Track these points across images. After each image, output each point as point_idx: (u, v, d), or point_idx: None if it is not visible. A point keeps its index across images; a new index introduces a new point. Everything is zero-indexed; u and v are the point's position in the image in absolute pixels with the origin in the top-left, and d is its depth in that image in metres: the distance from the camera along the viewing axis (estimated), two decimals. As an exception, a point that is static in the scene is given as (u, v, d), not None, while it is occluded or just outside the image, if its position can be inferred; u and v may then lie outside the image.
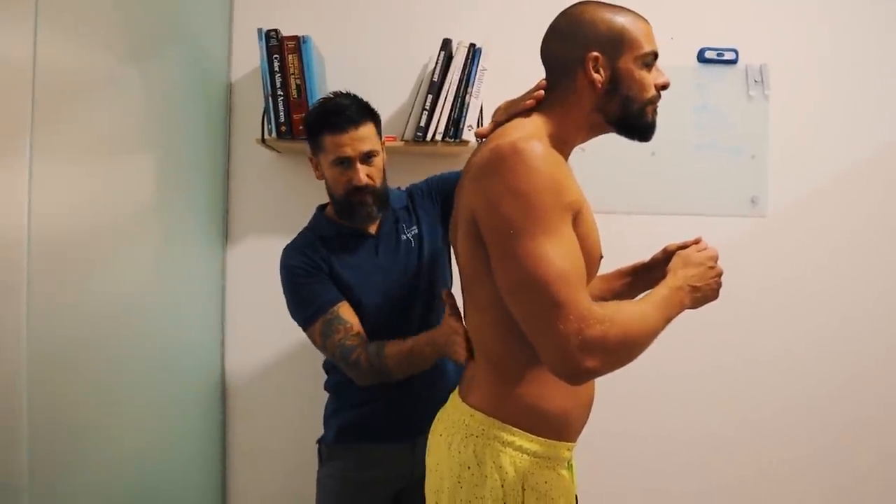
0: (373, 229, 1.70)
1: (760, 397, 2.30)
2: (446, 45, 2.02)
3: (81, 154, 1.43)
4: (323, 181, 1.68)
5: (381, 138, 1.67)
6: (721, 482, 2.30)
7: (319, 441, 1.78)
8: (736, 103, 2.28)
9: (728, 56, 2.28)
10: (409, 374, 1.55)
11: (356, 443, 1.70)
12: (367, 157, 1.60)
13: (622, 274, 1.55)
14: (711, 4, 2.29)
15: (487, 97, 2.01)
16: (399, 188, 1.80)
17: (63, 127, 1.35)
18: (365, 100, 1.66)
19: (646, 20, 1.24)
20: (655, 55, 1.23)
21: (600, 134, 1.29)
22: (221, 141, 2.18)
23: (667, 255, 1.38)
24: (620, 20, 1.20)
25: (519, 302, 1.07)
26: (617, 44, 1.19)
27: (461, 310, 1.37)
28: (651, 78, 1.23)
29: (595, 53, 1.19)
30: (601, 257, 1.28)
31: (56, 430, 1.33)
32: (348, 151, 1.58)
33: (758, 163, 2.28)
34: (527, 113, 1.25)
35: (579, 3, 1.26)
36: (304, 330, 1.64)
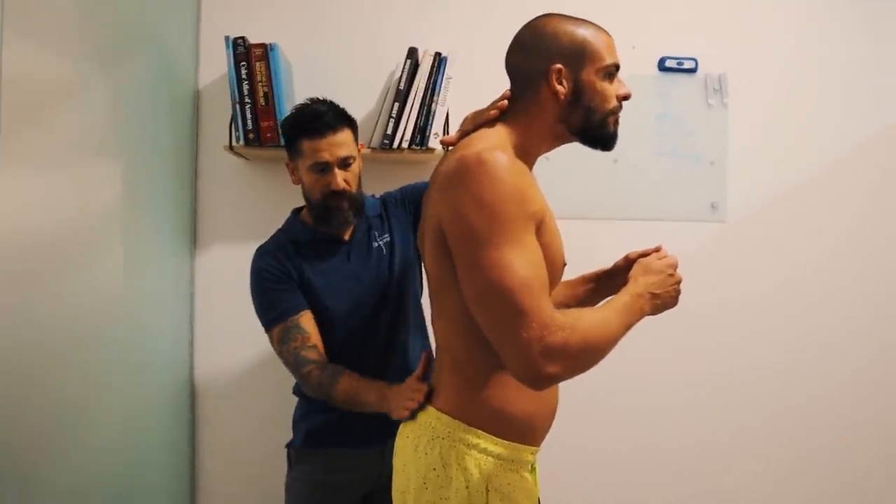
0: (346, 235, 1.72)
1: (725, 403, 2.36)
2: (412, 53, 2.05)
3: (47, 160, 1.42)
4: (299, 186, 1.70)
5: (357, 145, 1.70)
6: (698, 492, 2.35)
7: (288, 445, 1.79)
8: (696, 111, 2.35)
9: (688, 65, 2.34)
10: (349, 409, 1.56)
11: (325, 447, 1.72)
12: (344, 163, 1.62)
13: (585, 280, 1.58)
14: (672, 14, 2.35)
15: (453, 105, 2.04)
16: (373, 196, 1.82)
17: (28, 133, 1.34)
18: (342, 107, 1.69)
19: (607, 33, 1.27)
20: (617, 67, 1.27)
21: (564, 143, 1.32)
22: (189, 147, 2.18)
23: (628, 263, 1.42)
24: (583, 33, 1.24)
25: (483, 310, 1.10)
26: (579, 56, 1.23)
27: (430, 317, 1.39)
28: (613, 89, 1.26)
29: (558, 65, 1.22)
30: (564, 264, 1.32)
31: (21, 434, 1.32)
32: (326, 157, 1.60)
33: (717, 169, 2.35)
34: (492, 123, 1.28)
35: (542, 15, 1.29)
36: (266, 332, 1.66)
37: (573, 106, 1.24)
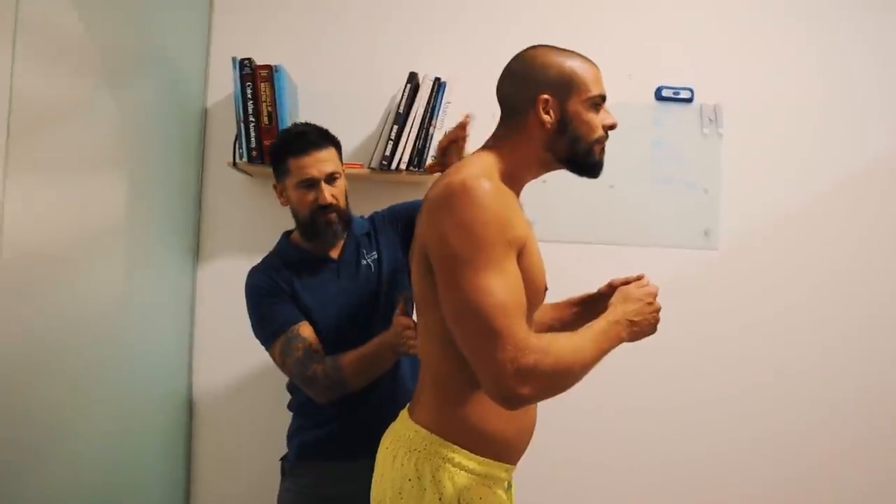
0: (335, 254, 1.77)
1: (708, 426, 2.38)
2: (412, 78, 2.12)
3: (55, 174, 1.49)
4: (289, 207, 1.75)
5: (342, 164, 1.75)
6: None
7: (282, 459, 1.82)
8: (691, 140, 2.39)
9: (684, 95, 2.39)
10: (366, 382, 1.61)
11: (318, 460, 1.75)
12: (330, 178, 1.68)
13: (571, 304, 1.62)
14: (669, 45, 2.40)
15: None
16: (362, 216, 1.87)
17: (38, 148, 1.41)
18: (325, 128, 1.75)
19: (595, 65, 1.32)
20: (603, 98, 1.31)
21: (551, 171, 1.36)
22: (195, 163, 2.26)
23: (611, 289, 1.45)
24: (570, 64, 1.29)
25: (461, 329, 1.14)
26: (566, 87, 1.27)
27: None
28: (599, 119, 1.30)
29: (545, 96, 1.27)
30: (546, 289, 1.35)
31: (20, 439, 1.37)
32: (313, 172, 1.65)
33: (711, 197, 2.39)
34: (481, 150, 1.33)
35: (532, 46, 1.34)
36: (266, 349, 1.70)
37: (559, 135, 1.28)
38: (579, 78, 1.28)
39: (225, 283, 2.27)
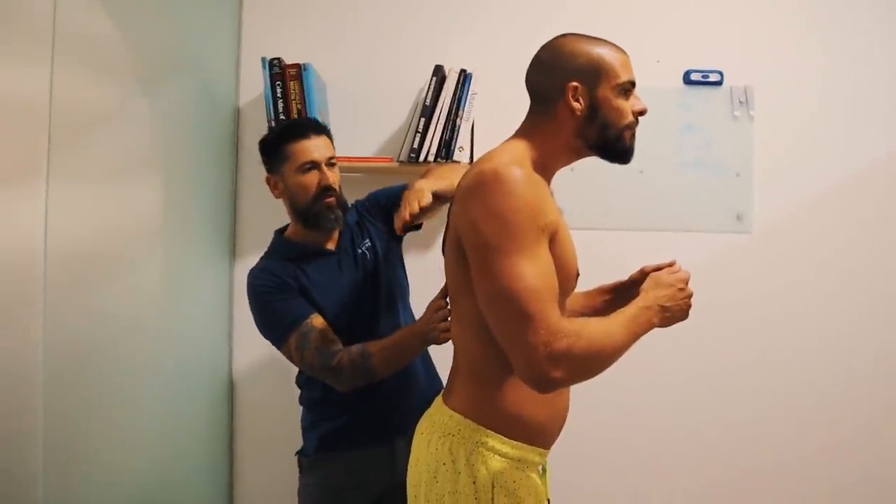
0: (332, 245, 1.77)
1: (744, 407, 2.36)
2: (438, 70, 2.14)
3: (96, 178, 1.55)
4: (281, 202, 1.76)
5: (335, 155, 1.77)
6: (705, 485, 2.36)
7: (299, 453, 1.83)
8: (721, 123, 2.37)
9: (713, 78, 2.36)
10: (394, 370, 1.62)
11: (337, 451, 1.76)
12: (329, 163, 1.70)
13: (603, 291, 1.63)
14: (697, 28, 2.38)
15: (478, 120, 2.12)
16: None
17: (77, 154, 1.47)
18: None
19: (623, 51, 1.33)
20: (633, 84, 1.32)
21: (582, 157, 1.37)
22: (229, 163, 2.31)
23: (643, 275, 1.46)
24: (599, 51, 1.29)
25: (494, 314, 1.16)
26: (595, 74, 1.28)
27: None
28: (629, 105, 1.31)
29: (574, 83, 1.28)
30: (578, 274, 1.36)
31: (70, 429, 1.44)
32: (315, 155, 1.67)
33: (743, 180, 2.36)
34: (512, 138, 1.35)
35: (560, 35, 1.35)
36: (280, 348, 1.69)
37: (590, 122, 1.29)
38: (608, 64, 1.29)
39: (261, 278, 2.32)
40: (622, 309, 1.25)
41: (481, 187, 1.18)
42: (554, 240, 1.22)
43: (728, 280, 2.34)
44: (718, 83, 2.37)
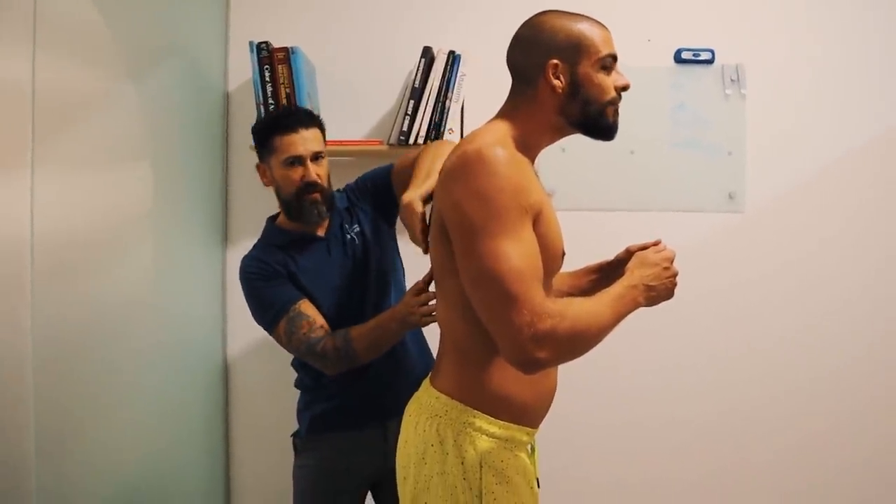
0: (321, 231, 1.78)
1: (735, 388, 2.37)
2: (426, 52, 2.13)
3: (82, 164, 1.54)
4: (271, 188, 1.77)
5: (324, 145, 1.77)
6: (700, 472, 2.38)
7: (293, 435, 1.86)
8: (713, 102, 2.36)
9: (704, 56, 2.35)
10: (378, 354, 1.64)
11: (329, 432, 1.78)
12: (315, 158, 1.70)
13: (589, 271, 1.62)
14: (687, 6, 2.36)
15: (467, 101, 2.11)
16: (338, 190, 1.87)
17: (63, 140, 1.46)
18: (309, 109, 1.79)
19: (604, 25, 1.32)
20: (614, 58, 1.31)
21: (566, 136, 1.36)
22: (219, 148, 2.30)
23: (629, 255, 1.45)
24: (579, 27, 1.28)
25: (478, 295, 1.16)
26: (575, 50, 1.27)
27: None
28: (610, 80, 1.30)
29: (555, 60, 1.27)
30: (563, 254, 1.36)
31: (61, 418, 1.45)
32: (300, 150, 1.68)
33: (735, 159, 2.36)
34: (495, 118, 1.34)
35: (540, 12, 1.34)
36: (270, 332, 1.72)
37: (571, 99, 1.29)
38: (588, 40, 1.28)
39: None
40: (607, 289, 1.25)
41: (464, 168, 1.17)
42: (538, 220, 1.21)
43: (721, 259, 2.35)
44: (710, 62, 2.36)
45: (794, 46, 2.36)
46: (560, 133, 1.35)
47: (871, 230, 2.37)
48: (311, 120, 1.73)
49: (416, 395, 1.40)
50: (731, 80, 2.36)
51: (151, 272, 1.86)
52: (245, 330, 2.34)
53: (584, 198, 2.33)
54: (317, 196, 1.70)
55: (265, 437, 2.34)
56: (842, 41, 2.36)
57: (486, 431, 1.26)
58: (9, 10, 1.32)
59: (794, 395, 2.37)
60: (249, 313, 2.29)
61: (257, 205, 2.32)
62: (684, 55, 2.35)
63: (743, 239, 2.36)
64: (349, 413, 1.75)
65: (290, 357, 2.28)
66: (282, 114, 1.74)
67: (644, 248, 1.42)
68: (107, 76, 1.65)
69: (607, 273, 1.57)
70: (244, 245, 2.32)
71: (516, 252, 1.13)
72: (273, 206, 2.28)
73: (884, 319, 2.37)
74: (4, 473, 1.33)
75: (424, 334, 1.84)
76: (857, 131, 2.36)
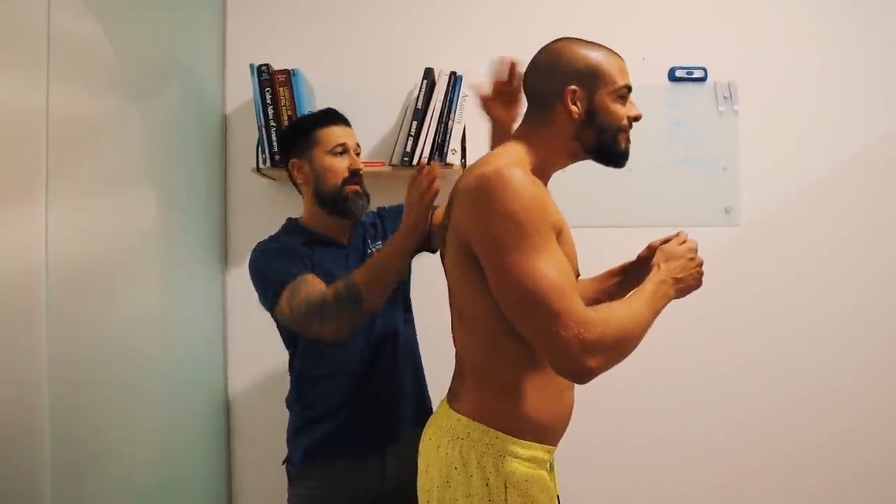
0: (344, 239, 1.78)
1: (735, 401, 2.40)
2: (429, 73, 2.14)
3: (91, 191, 1.53)
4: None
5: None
6: (703, 484, 2.39)
7: (286, 461, 1.79)
8: (707, 119, 2.40)
9: (697, 74, 2.40)
10: (381, 293, 1.55)
11: (324, 461, 1.71)
12: (357, 152, 1.75)
13: (612, 274, 1.64)
14: (680, 25, 2.41)
15: (469, 122, 2.12)
16: (371, 211, 1.87)
17: (75, 166, 1.45)
18: None
19: (620, 56, 1.35)
20: (629, 89, 1.34)
21: (577, 161, 1.39)
22: (218, 170, 2.29)
23: (651, 252, 1.48)
24: (596, 56, 1.32)
25: (521, 316, 1.17)
26: (593, 78, 1.31)
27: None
28: (624, 110, 1.34)
29: (573, 87, 1.30)
30: (578, 274, 1.38)
31: (76, 444, 1.43)
32: (347, 139, 1.72)
33: (730, 175, 2.40)
34: (511, 141, 1.36)
35: (558, 39, 1.37)
36: (273, 309, 1.62)
37: (587, 125, 1.32)
38: (605, 70, 1.31)
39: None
40: (638, 288, 1.27)
41: (486, 189, 1.18)
42: (559, 239, 1.23)
43: (717, 273, 2.35)
44: (703, 79, 2.40)
45: (784, 63, 2.42)
46: (573, 158, 1.38)
47: (864, 241, 2.42)
48: (349, 122, 1.79)
49: (435, 417, 1.40)
50: (724, 97, 2.41)
51: (156, 296, 1.84)
52: (245, 351, 2.33)
53: (582, 214, 2.36)
54: (358, 188, 1.71)
55: (267, 457, 2.28)
56: (830, 57, 2.43)
57: (510, 452, 1.26)
58: (24, 37, 1.32)
59: (794, 407, 2.40)
60: (248, 334, 2.31)
61: (256, 228, 2.30)
62: (678, 73, 2.39)
63: (740, 252, 2.40)
64: (346, 440, 1.69)
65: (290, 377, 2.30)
66: (323, 112, 1.78)
67: (666, 241, 1.44)
68: (113, 102, 1.65)
69: (631, 273, 1.59)
70: (244, 267, 2.31)
71: (552, 268, 1.14)
72: (272, 230, 2.29)
73: (883, 330, 2.41)
74: (20, 495, 1.31)
75: (422, 364, 1.83)
76: (848, 144, 2.42)
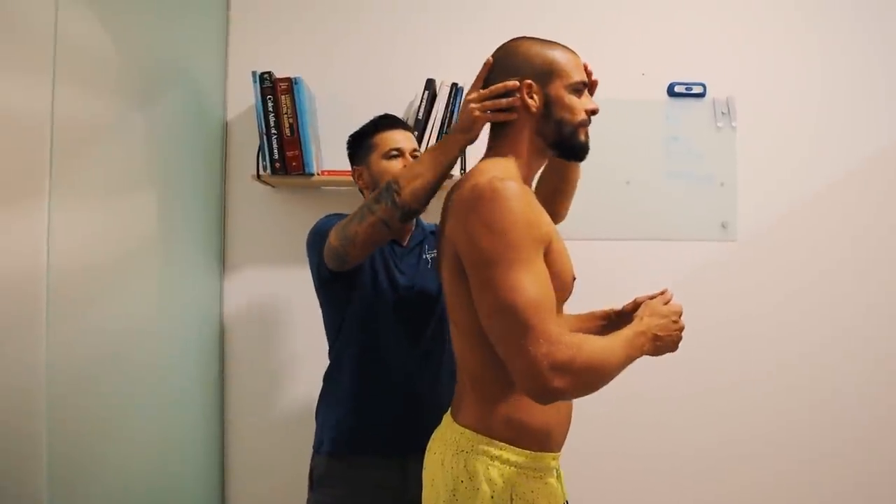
0: (404, 241, 1.80)
1: (730, 414, 2.41)
2: (430, 84, 2.15)
3: (93, 195, 1.53)
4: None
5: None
6: (713, 497, 2.40)
7: (314, 450, 1.78)
8: (705, 134, 2.42)
9: (696, 90, 2.42)
10: (422, 186, 1.46)
11: (351, 455, 1.71)
12: (413, 155, 1.75)
13: (596, 317, 1.63)
14: (680, 42, 2.44)
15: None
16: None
17: (77, 169, 1.45)
18: None
19: (575, 53, 1.38)
20: (584, 84, 1.37)
21: (546, 157, 1.41)
22: (218, 177, 2.29)
23: (635, 306, 1.48)
24: (551, 52, 1.35)
25: (494, 326, 1.17)
26: (548, 73, 1.33)
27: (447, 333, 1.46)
28: (581, 104, 1.36)
29: (528, 81, 1.33)
30: (574, 278, 1.38)
31: (74, 448, 1.43)
32: (402, 144, 1.74)
33: (727, 190, 2.42)
34: (492, 154, 1.37)
35: (514, 38, 1.40)
36: (320, 257, 1.63)
37: (546, 119, 1.34)
38: (560, 65, 1.34)
39: (250, 292, 2.32)
40: (618, 331, 1.26)
41: (478, 201, 1.19)
42: (549, 247, 1.24)
43: (715, 287, 2.39)
44: (701, 95, 2.42)
45: (781, 81, 2.45)
46: (542, 155, 1.40)
47: (861, 256, 2.44)
48: (407, 126, 1.80)
49: (439, 431, 1.40)
50: (722, 113, 2.43)
51: (155, 301, 1.83)
52: (242, 357, 2.32)
53: (581, 227, 2.36)
54: None
55: (262, 460, 2.30)
56: (827, 75, 2.46)
57: (514, 462, 1.26)
58: (30, 40, 1.32)
59: (791, 421, 2.41)
60: (245, 340, 2.30)
61: (255, 235, 2.32)
62: (677, 89, 2.41)
63: (736, 267, 2.41)
64: (373, 435, 1.69)
65: (286, 384, 2.29)
66: (380, 117, 1.81)
67: (652, 298, 1.43)
68: (116, 106, 1.64)
69: (614, 322, 1.58)
70: (242, 273, 2.32)
71: (531, 284, 1.14)
72: (271, 239, 2.30)
73: (880, 345, 2.43)
74: (17, 496, 1.30)
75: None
76: (844, 160, 2.45)
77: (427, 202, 1.49)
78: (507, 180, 1.20)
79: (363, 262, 1.68)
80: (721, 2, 2.45)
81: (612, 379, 1.18)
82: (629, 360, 1.22)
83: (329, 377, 1.81)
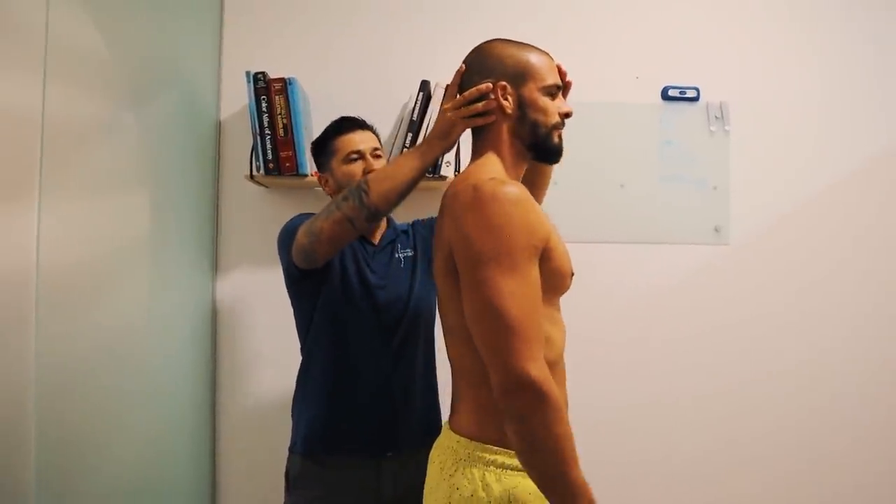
0: (376, 240, 1.80)
1: (722, 417, 2.41)
2: (424, 86, 2.14)
3: (83, 194, 1.52)
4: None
5: (381, 149, 1.81)
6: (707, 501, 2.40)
7: (288, 458, 1.77)
8: (698, 138, 2.43)
9: (690, 94, 2.42)
10: (392, 190, 1.47)
11: (324, 455, 1.70)
12: (374, 154, 1.75)
13: None
14: (674, 45, 2.44)
15: (464, 136, 2.11)
16: (407, 223, 1.91)
17: (68, 168, 1.44)
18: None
19: (549, 56, 1.39)
20: (558, 87, 1.38)
21: (526, 161, 1.40)
22: (211, 176, 2.28)
23: None
24: (525, 55, 1.36)
25: (479, 327, 1.16)
26: (522, 76, 1.34)
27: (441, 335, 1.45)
28: (555, 106, 1.36)
29: (502, 83, 1.33)
30: (572, 274, 1.38)
31: (62, 446, 1.41)
32: (360, 146, 1.73)
33: (720, 194, 2.42)
34: (480, 156, 1.37)
35: (489, 40, 1.41)
36: (290, 253, 1.63)
37: (521, 121, 1.34)
38: (534, 67, 1.35)
39: (243, 292, 2.31)
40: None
41: (476, 203, 1.18)
42: (548, 246, 1.23)
43: (706, 291, 2.40)
44: (695, 99, 2.43)
45: (775, 85, 2.45)
46: (522, 158, 1.39)
47: (854, 260, 2.45)
48: (366, 125, 1.81)
49: (438, 440, 1.41)
50: (716, 118, 2.43)
51: (146, 301, 1.82)
52: (233, 357, 2.31)
53: (575, 230, 2.36)
54: None
55: (253, 462, 2.29)
56: (820, 81, 2.47)
57: (510, 466, 1.25)
58: (21, 38, 1.30)
59: (785, 425, 2.41)
60: (237, 341, 2.29)
61: (248, 235, 2.31)
62: (671, 93, 2.42)
63: (729, 271, 2.42)
64: (347, 435, 1.69)
65: (277, 386, 2.28)
66: (337, 121, 1.80)
67: None
68: (108, 105, 1.63)
69: None
70: (234, 274, 2.31)
71: (522, 291, 1.14)
72: (263, 239, 2.27)
73: (875, 349, 2.44)
74: (5, 496, 1.29)
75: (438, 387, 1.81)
76: (838, 165, 2.46)
77: (395, 205, 1.50)
78: (509, 184, 1.21)
79: (333, 260, 1.68)
80: (715, 6, 2.46)
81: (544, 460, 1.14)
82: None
83: (301, 376, 1.80)
